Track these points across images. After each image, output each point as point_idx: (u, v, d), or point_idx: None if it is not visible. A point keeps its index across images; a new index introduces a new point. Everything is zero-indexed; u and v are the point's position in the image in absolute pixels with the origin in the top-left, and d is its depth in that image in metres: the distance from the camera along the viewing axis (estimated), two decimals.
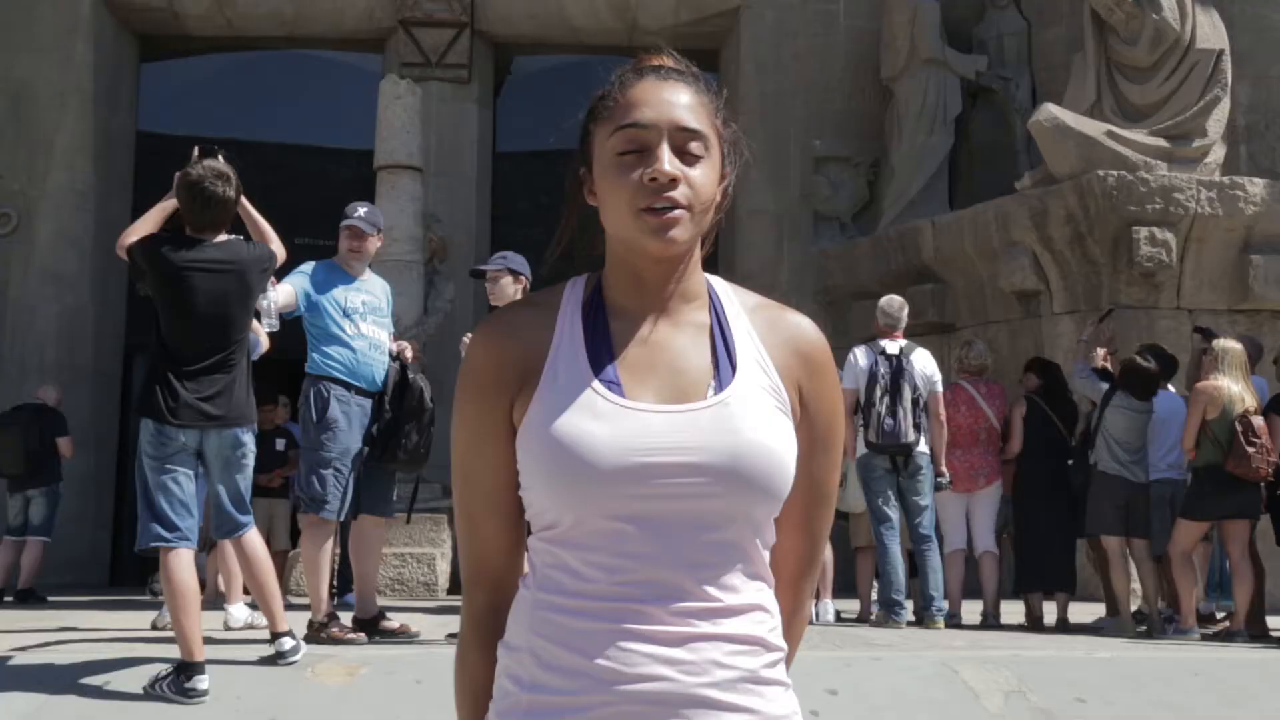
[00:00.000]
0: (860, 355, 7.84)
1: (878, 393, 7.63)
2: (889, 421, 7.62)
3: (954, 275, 12.07)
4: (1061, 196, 10.88)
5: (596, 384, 1.38)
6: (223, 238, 5.27)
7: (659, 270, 1.43)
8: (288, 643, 5.21)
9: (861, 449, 7.79)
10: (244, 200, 5.54)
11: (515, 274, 6.21)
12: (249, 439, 5.27)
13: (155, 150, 14.95)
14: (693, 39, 14.26)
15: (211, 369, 5.10)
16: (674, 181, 1.37)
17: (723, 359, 1.43)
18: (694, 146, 1.40)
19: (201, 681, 4.76)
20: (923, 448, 7.78)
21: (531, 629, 1.38)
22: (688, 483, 1.34)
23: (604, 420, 1.35)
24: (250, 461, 5.32)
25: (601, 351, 1.41)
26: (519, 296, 6.12)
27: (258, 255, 5.35)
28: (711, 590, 1.36)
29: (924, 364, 7.87)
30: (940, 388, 7.92)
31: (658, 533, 1.34)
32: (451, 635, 5.89)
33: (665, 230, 1.37)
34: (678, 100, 1.41)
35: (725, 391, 1.40)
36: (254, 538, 5.37)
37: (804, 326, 1.50)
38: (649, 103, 1.40)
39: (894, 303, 8.10)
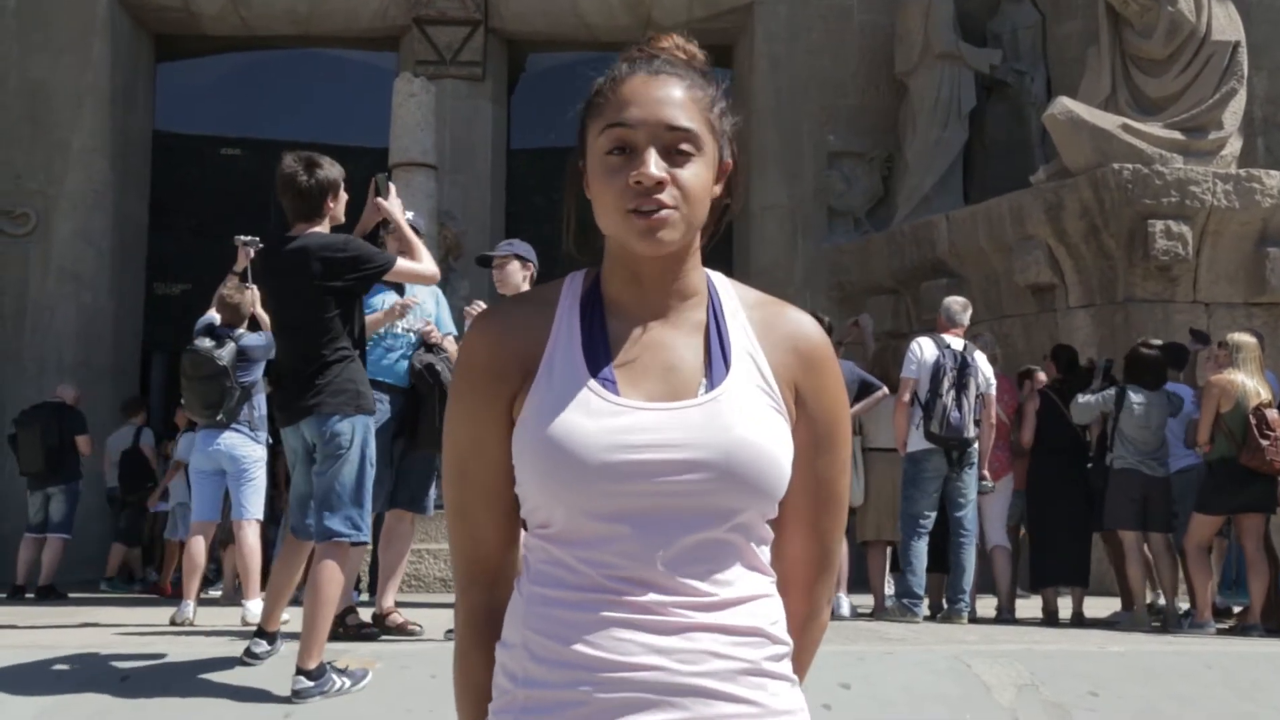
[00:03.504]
0: (925, 346, 7.83)
1: (945, 385, 7.63)
2: (955, 414, 7.61)
3: (969, 270, 12.05)
4: (1076, 190, 10.85)
5: (591, 381, 1.37)
6: (316, 230, 5.08)
7: (656, 267, 1.42)
8: (262, 645, 5.14)
9: (917, 443, 7.74)
10: (393, 213, 5.47)
11: (523, 260, 6.18)
12: (344, 426, 4.92)
13: (171, 149, 15.06)
14: (706, 35, 14.17)
15: (295, 361, 4.99)
16: (660, 184, 1.35)
17: (716, 357, 1.41)
18: (684, 145, 1.38)
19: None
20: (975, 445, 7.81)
21: (525, 624, 1.37)
22: (677, 479, 1.33)
23: (596, 417, 1.35)
24: (347, 452, 4.94)
25: (598, 349, 1.41)
26: (526, 284, 6.13)
27: (324, 243, 4.99)
28: (706, 586, 1.35)
29: (984, 364, 7.90)
30: (994, 391, 7.94)
31: (650, 530, 1.33)
32: (450, 632, 5.90)
33: (653, 232, 1.36)
34: (667, 98, 1.38)
35: (716, 389, 1.39)
36: (327, 559, 4.90)
37: (803, 324, 1.48)
38: (637, 101, 1.38)
39: (958, 302, 8.23)
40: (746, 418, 1.37)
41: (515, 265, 6.16)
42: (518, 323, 1.45)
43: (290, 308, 5.02)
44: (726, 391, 1.39)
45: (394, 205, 5.57)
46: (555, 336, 1.43)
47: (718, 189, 1.45)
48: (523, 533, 1.46)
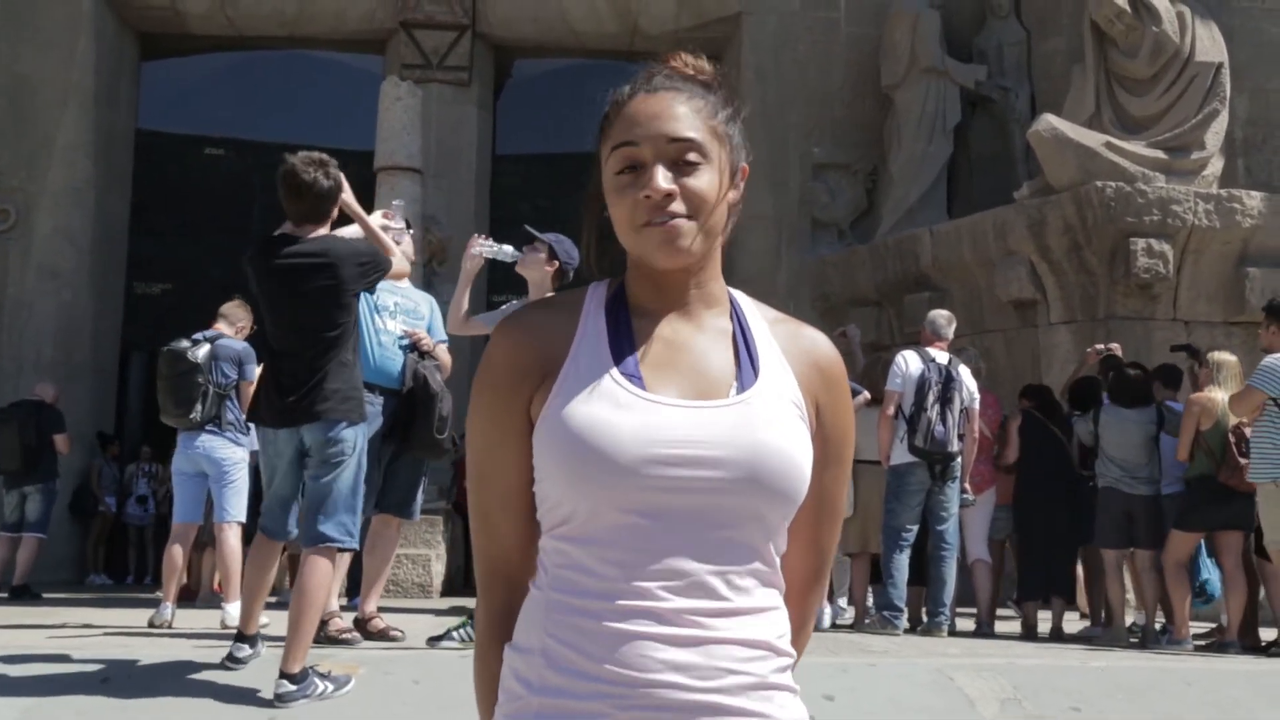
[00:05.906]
0: (911, 360, 7.82)
1: (930, 399, 7.64)
2: (939, 428, 7.61)
3: (951, 284, 12.10)
4: (1059, 207, 10.91)
5: (618, 376, 1.39)
6: (322, 232, 5.04)
7: (678, 278, 1.45)
8: (244, 649, 5.11)
9: (900, 456, 7.75)
10: (357, 209, 5.29)
11: (552, 255, 5.95)
12: (349, 434, 4.93)
13: (154, 148, 15.00)
14: (693, 45, 13.95)
15: (304, 365, 4.93)
16: (669, 196, 1.39)
17: (745, 362, 1.44)
18: (690, 155, 1.41)
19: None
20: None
21: (545, 631, 1.37)
22: (704, 477, 1.35)
23: (626, 411, 1.36)
24: (348, 459, 4.94)
25: (624, 346, 1.42)
26: (545, 275, 6.01)
27: (354, 250, 5.00)
28: (723, 589, 1.36)
29: (968, 378, 7.92)
30: (977, 405, 7.96)
31: (671, 527, 1.35)
32: (433, 639, 5.87)
33: (670, 240, 1.40)
34: (669, 112, 1.42)
35: (747, 392, 1.41)
36: (317, 563, 4.87)
37: (821, 342, 1.52)
38: (639, 120, 1.42)
39: (943, 315, 8.24)
40: (775, 422, 1.40)
41: (543, 255, 6.00)
42: (540, 325, 1.47)
43: (310, 311, 4.91)
44: (757, 395, 1.41)
45: (349, 198, 5.26)
46: (580, 336, 1.44)
47: (734, 194, 1.49)
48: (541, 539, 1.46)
